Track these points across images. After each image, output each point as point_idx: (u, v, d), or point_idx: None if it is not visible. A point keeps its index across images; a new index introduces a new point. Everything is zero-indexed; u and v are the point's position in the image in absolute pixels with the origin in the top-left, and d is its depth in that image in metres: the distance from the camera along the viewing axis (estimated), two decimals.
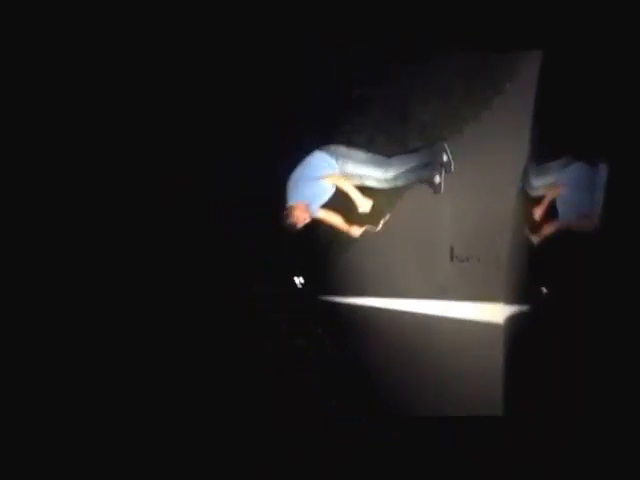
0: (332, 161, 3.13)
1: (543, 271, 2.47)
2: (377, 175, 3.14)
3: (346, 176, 3.14)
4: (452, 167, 3.01)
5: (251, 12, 2.91)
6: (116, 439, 2.77)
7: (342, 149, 3.20)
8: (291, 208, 3.08)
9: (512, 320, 2.51)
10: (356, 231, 3.19)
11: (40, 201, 3.02)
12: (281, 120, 3.51)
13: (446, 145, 3.02)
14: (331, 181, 3.08)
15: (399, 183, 3.17)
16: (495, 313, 2.55)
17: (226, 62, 3.27)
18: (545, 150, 2.68)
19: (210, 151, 3.41)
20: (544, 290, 2.50)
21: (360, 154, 3.20)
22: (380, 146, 3.45)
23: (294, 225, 3.09)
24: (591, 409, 2.15)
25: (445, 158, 3.01)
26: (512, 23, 2.23)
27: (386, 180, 3.15)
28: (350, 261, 3.18)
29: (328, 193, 3.14)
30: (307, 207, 3.08)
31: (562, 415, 2.05)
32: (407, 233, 3.32)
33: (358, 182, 3.17)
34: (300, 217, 3.07)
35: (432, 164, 3.05)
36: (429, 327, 3.09)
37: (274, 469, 2.56)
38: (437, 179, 3.03)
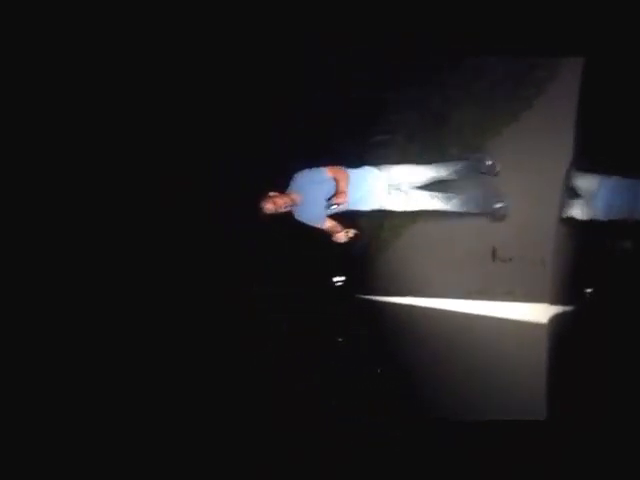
0: (375, 170, 2.99)
1: (588, 271, 2.39)
2: (419, 180, 3.00)
3: (395, 187, 2.99)
4: (497, 170, 2.96)
5: (251, 12, 2.90)
6: (116, 439, 2.77)
7: (382, 161, 3.09)
8: (274, 194, 2.81)
9: (556, 320, 2.43)
10: (342, 237, 2.98)
11: (40, 201, 3.02)
12: (282, 120, 3.51)
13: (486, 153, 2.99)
14: (332, 172, 2.87)
15: (446, 204, 3.00)
16: (539, 313, 2.48)
17: (227, 62, 3.26)
18: (586, 154, 2.60)
19: (210, 151, 3.41)
20: (589, 290, 2.44)
21: (402, 163, 3.08)
22: (417, 147, 3.38)
23: (263, 209, 2.74)
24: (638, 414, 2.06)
25: (489, 162, 2.96)
26: (556, 29, 2.19)
27: (432, 193, 3.00)
28: (389, 260, 3.09)
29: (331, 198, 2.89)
30: (293, 198, 2.81)
31: (608, 420, 1.96)
32: (449, 233, 3.27)
33: (403, 201, 2.99)
34: (279, 203, 2.75)
35: (475, 169, 2.99)
36: (470, 327, 3.03)
37: (274, 469, 2.55)
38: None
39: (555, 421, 2.13)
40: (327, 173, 2.87)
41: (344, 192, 2.85)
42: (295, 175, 2.88)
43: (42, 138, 3.04)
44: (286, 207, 2.79)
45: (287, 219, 2.91)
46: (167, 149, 3.35)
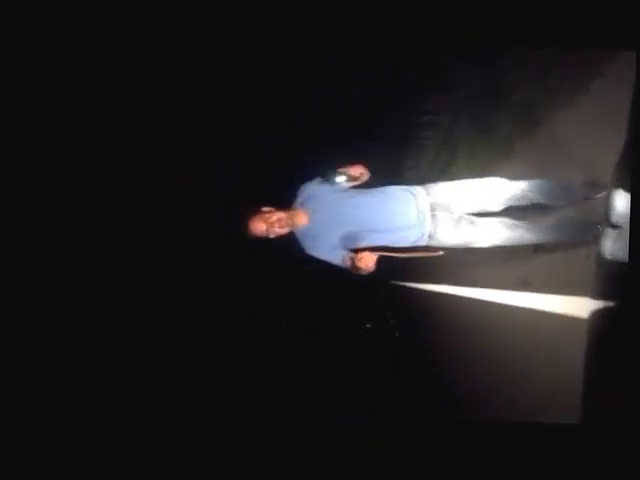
0: (417, 186, 2.10)
1: (633, 265, 2.18)
2: (482, 203, 2.06)
3: (443, 208, 2.06)
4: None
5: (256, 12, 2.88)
6: (116, 439, 2.76)
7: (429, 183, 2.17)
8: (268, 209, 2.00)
9: (597, 316, 2.29)
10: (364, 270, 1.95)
11: (40, 202, 3.01)
12: (282, 119, 3.50)
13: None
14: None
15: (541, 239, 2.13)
16: (579, 307, 2.29)
17: (229, 62, 3.25)
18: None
19: (210, 151, 3.41)
20: (632, 285, 2.19)
21: (454, 176, 2.21)
22: (464, 127, 3.32)
23: (250, 230, 1.97)
24: None
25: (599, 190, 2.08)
26: (610, 22, 2.14)
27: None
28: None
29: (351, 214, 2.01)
30: (295, 215, 2.00)
31: None
32: None
33: (458, 231, 2.05)
34: (272, 221, 1.93)
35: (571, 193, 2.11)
36: (506, 319, 2.90)
37: (274, 469, 2.55)
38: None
39: (590, 426, 2.01)
40: (341, 173, 2.02)
41: (353, 172, 1.99)
42: (304, 185, 2.07)
43: (41, 139, 3.03)
44: (283, 228, 1.97)
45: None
46: (167, 149, 3.35)
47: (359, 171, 2.00)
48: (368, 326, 6.17)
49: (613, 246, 2.07)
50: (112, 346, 3.11)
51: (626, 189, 1.96)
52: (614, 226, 2.03)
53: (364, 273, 1.88)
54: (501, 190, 2.05)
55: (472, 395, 3.13)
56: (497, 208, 2.07)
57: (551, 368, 2.43)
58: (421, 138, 4.03)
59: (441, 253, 2.01)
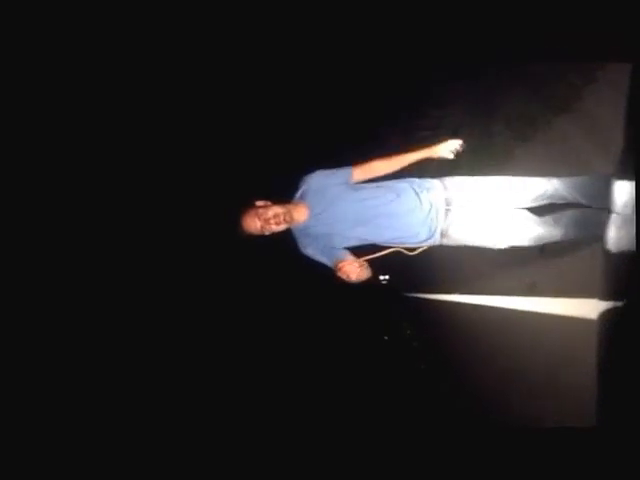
0: (431, 180, 1.93)
1: None
2: (502, 198, 1.92)
3: (459, 204, 1.92)
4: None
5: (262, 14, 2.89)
6: (116, 438, 2.76)
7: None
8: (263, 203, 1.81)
9: (606, 317, 2.26)
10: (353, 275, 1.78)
11: (40, 202, 3.02)
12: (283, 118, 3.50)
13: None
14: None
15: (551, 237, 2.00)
16: (589, 309, 2.22)
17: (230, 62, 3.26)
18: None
19: (210, 150, 3.41)
20: None
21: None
22: (464, 135, 3.36)
23: (243, 228, 1.78)
24: None
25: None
26: (606, 35, 2.13)
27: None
28: (435, 257, 2.70)
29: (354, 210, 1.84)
30: (292, 209, 1.81)
31: None
32: None
33: (473, 225, 1.92)
34: (267, 217, 1.74)
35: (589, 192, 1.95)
36: (517, 325, 2.89)
37: (274, 469, 2.54)
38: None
39: (606, 429, 1.98)
40: (349, 169, 1.86)
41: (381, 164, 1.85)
42: (306, 176, 1.88)
43: (41, 140, 3.04)
44: (280, 224, 1.77)
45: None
46: (167, 149, 3.35)
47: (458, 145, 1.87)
48: (386, 338, 6.22)
49: (618, 244, 2.02)
50: (112, 346, 3.11)
51: (628, 189, 1.90)
52: (616, 224, 1.98)
53: (353, 282, 1.73)
54: (517, 188, 1.93)
55: (488, 402, 3.13)
56: (513, 206, 1.95)
57: (565, 372, 2.42)
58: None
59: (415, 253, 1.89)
